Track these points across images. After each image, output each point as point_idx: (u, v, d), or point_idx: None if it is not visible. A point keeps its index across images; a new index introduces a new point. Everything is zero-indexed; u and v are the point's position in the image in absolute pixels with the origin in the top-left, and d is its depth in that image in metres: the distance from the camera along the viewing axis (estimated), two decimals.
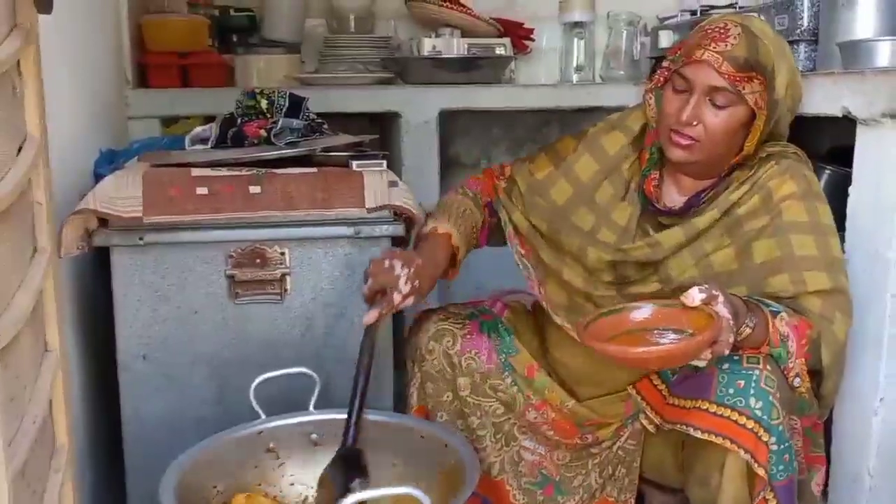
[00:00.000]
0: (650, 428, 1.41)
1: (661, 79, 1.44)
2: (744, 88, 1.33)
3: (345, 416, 1.31)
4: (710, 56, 1.32)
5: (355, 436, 1.28)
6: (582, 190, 1.52)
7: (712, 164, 1.41)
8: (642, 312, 1.27)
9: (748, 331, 1.23)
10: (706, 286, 1.20)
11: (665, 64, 1.44)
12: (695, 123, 1.35)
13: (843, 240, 1.45)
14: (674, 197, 1.47)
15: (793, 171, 1.38)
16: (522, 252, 1.55)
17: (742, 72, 1.32)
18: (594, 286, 1.48)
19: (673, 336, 1.24)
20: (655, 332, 1.25)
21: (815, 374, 1.32)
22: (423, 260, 1.39)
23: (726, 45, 1.32)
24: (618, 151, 1.52)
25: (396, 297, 1.33)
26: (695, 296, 1.19)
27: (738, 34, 1.33)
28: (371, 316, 1.32)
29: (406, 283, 1.33)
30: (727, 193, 1.40)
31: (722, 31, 1.34)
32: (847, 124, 1.52)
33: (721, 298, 1.18)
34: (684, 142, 1.36)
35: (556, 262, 1.52)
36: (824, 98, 1.55)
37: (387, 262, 1.34)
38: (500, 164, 1.66)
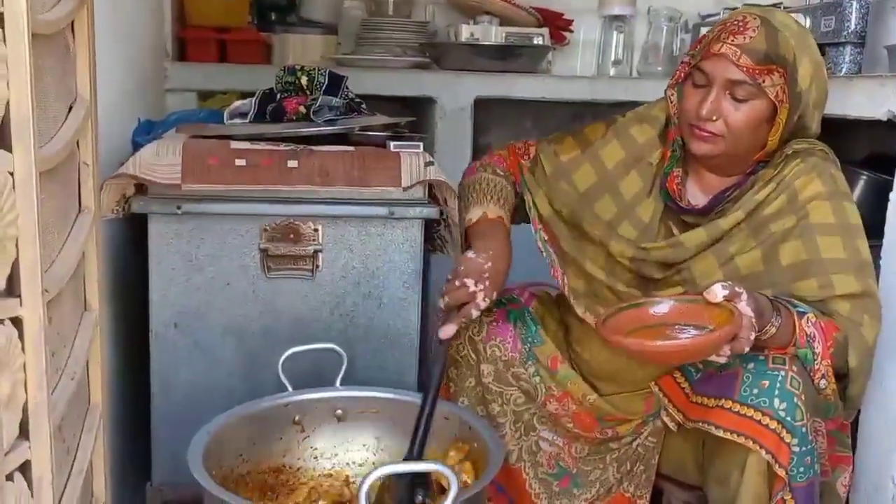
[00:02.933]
0: (671, 426, 1.40)
1: (682, 74, 1.41)
2: (764, 81, 1.30)
3: (369, 393, 1.33)
4: (727, 49, 1.30)
5: (422, 447, 1.25)
6: (606, 177, 1.49)
7: (736, 158, 1.38)
8: (662, 307, 1.26)
9: (773, 330, 1.22)
10: (730, 283, 1.19)
11: (685, 59, 1.42)
12: (714, 118, 1.33)
13: (879, 246, 1.43)
14: (697, 195, 1.44)
15: (819, 169, 1.36)
16: (546, 237, 1.52)
17: (761, 65, 1.29)
18: (615, 282, 1.46)
19: (693, 332, 1.21)
20: (676, 327, 1.23)
21: (842, 376, 1.31)
22: (493, 262, 1.37)
23: (745, 38, 1.30)
24: (646, 141, 1.49)
25: (475, 313, 1.33)
26: (717, 292, 1.18)
27: (758, 27, 1.31)
28: (448, 330, 1.31)
29: (484, 298, 1.33)
30: (752, 193, 1.37)
31: (741, 24, 1.32)
32: (887, 130, 1.50)
33: (745, 296, 1.17)
34: (706, 134, 1.34)
35: (578, 252, 1.50)
36: (869, 101, 1.53)
37: (458, 283, 1.33)
38: (525, 142, 1.60)
